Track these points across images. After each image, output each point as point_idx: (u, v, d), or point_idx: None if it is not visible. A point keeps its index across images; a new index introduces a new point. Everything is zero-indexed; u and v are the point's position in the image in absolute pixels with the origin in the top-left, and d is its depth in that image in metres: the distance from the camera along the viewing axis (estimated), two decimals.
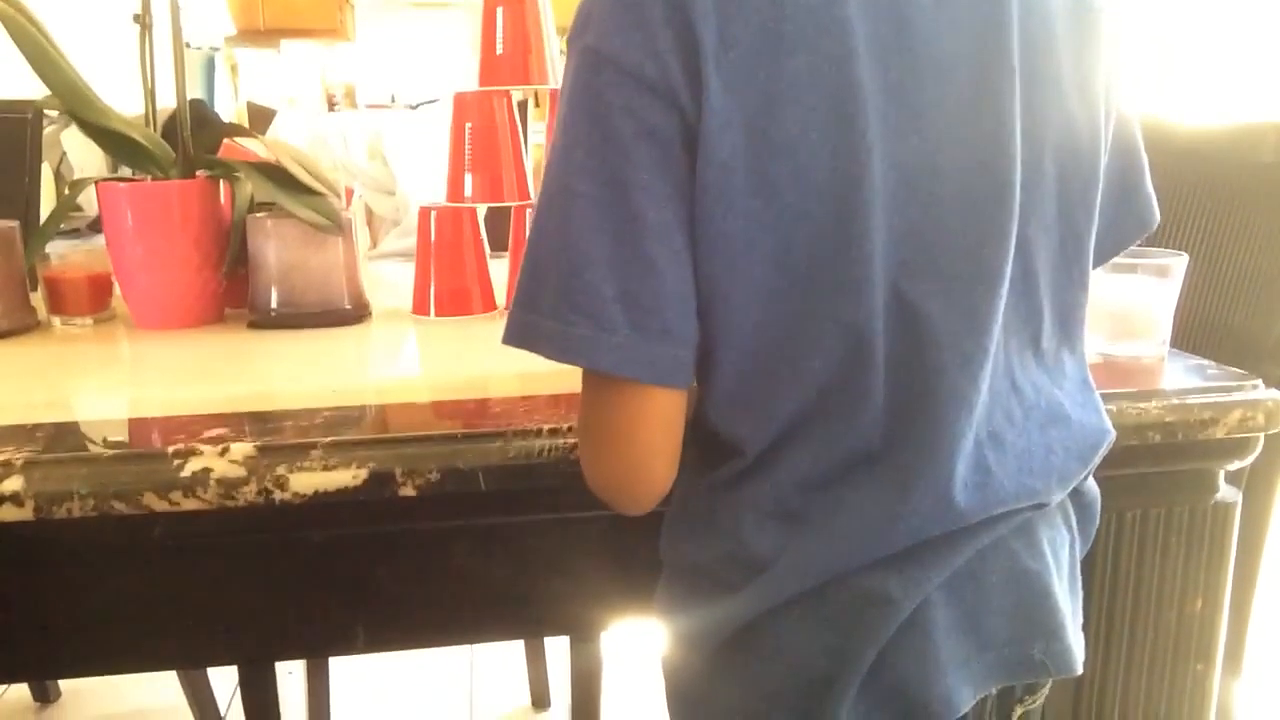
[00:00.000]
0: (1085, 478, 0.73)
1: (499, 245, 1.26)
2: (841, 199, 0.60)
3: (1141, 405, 0.84)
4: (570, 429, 0.77)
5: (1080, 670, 0.69)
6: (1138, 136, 0.76)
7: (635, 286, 0.61)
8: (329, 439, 0.75)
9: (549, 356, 0.63)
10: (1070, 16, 0.67)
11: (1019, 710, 0.73)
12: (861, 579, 0.63)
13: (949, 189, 0.63)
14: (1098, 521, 0.77)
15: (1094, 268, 0.73)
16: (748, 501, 0.66)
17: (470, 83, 1.19)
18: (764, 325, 0.63)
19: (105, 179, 1.20)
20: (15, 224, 1.15)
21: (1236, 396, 0.86)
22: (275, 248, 1.15)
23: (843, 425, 0.64)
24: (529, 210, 1.19)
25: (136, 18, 1.14)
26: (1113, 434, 0.73)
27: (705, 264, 0.62)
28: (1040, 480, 0.67)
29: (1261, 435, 0.88)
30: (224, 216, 1.18)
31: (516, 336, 0.65)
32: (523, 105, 1.85)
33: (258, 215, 1.16)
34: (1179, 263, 0.92)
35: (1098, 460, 0.72)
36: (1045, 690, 0.73)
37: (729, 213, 0.60)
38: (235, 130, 1.44)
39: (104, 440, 0.77)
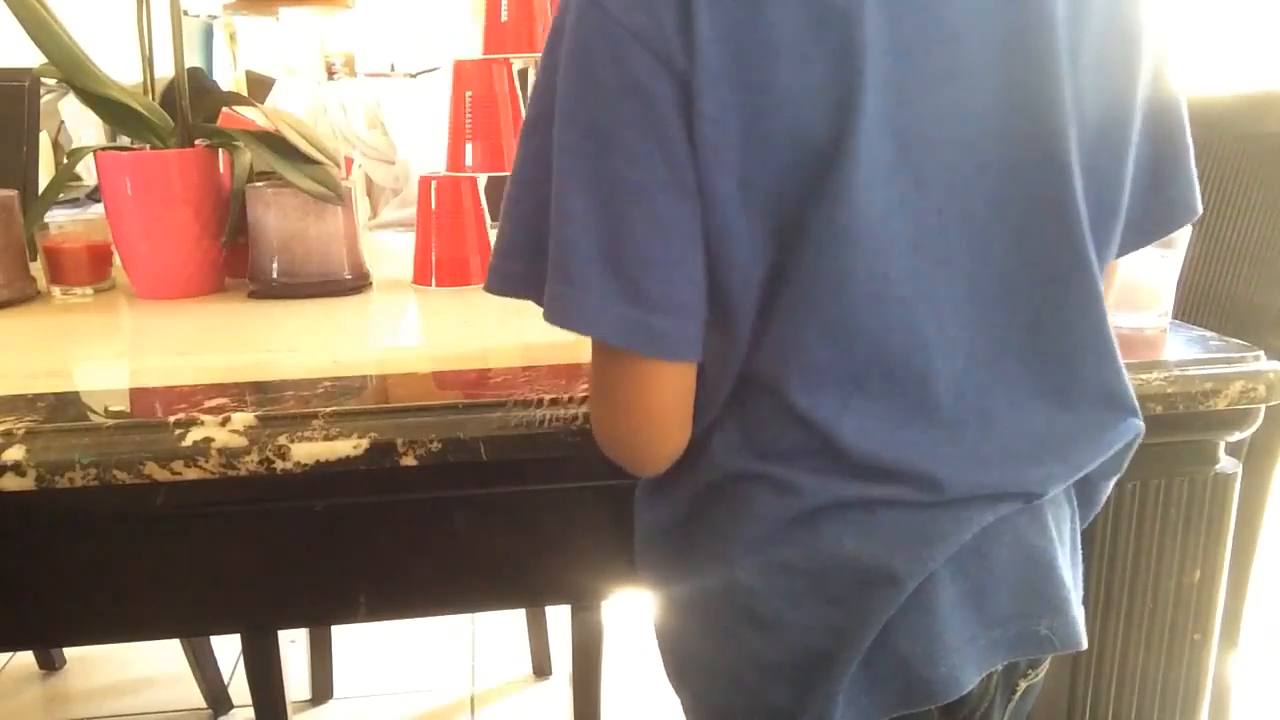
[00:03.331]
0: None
1: (499, 215, 1.25)
2: (825, 161, 0.58)
3: (1143, 376, 0.84)
4: (571, 399, 0.77)
5: (1085, 645, 0.68)
6: (1182, 119, 0.72)
7: (610, 248, 0.59)
8: (330, 409, 0.76)
9: (544, 315, 0.62)
10: None
11: (1023, 684, 0.73)
12: (867, 558, 0.62)
13: (951, 159, 0.61)
14: (1099, 502, 0.76)
15: (1122, 255, 0.72)
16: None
17: (470, 51, 1.18)
18: (769, 283, 0.61)
19: (104, 148, 1.19)
20: (14, 193, 1.15)
21: (1238, 368, 0.86)
22: (275, 217, 1.14)
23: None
24: None
25: None
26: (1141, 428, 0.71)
27: (710, 220, 0.60)
28: (1031, 467, 0.66)
29: (1262, 407, 0.88)
30: (223, 186, 1.18)
31: (516, 284, 0.65)
32: (523, 74, 1.84)
33: (257, 185, 1.16)
34: (1182, 233, 0.91)
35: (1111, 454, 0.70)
36: (1046, 663, 0.73)
37: (721, 170, 0.58)
38: (234, 99, 1.43)
39: (105, 410, 0.77)
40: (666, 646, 0.73)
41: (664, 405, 0.64)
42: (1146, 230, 0.73)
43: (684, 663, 0.72)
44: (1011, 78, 0.61)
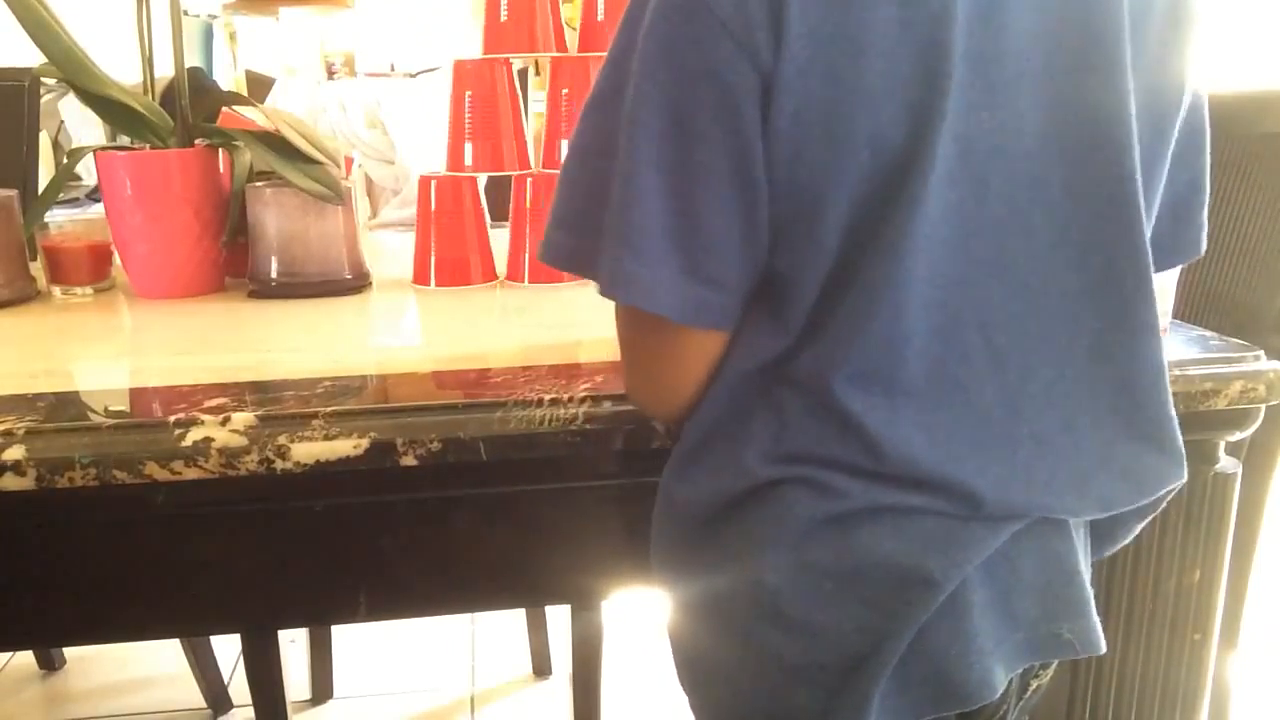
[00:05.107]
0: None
1: (499, 215, 1.25)
2: (903, 164, 0.58)
3: None
4: (571, 399, 0.77)
5: (1104, 649, 0.68)
6: (1206, 157, 0.72)
7: (677, 224, 0.60)
8: (330, 408, 0.75)
9: (600, 288, 0.63)
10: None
11: (1034, 684, 0.73)
12: (902, 559, 0.62)
13: (1011, 169, 0.61)
14: (1126, 538, 0.75)
15: None
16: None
17: (470, 51, 1.18)
18: (831, 281, 0.61)
19: (104, 148, 1.19)
20: (14, 193, 1.15)
21: (1238, 368, 0.86)
22: (275, 217, 1.14)
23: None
24: (529, 179, 1.19)
25: None
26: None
27: (778, 209, 0.60)
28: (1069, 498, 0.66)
29: (1262, 407, 0.88)
30: (223, 185, 1.18)
31: (566, 259, 0.65)
32: (523, 73, 1.84)
33: (257, 184, 1.16)
34: None
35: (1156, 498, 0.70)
36: (1055, 662, 0.73)
37: (797, 163, 0.58)
38: (234, 99, 1.43)
39: (105, 409, 0.77)
40: (683, 652, 0.72)
41: (697, 368, 0.66)
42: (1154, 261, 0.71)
43: (702, 669, 0.71)
44: (1075, 93, 0.61)
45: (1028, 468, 0.64)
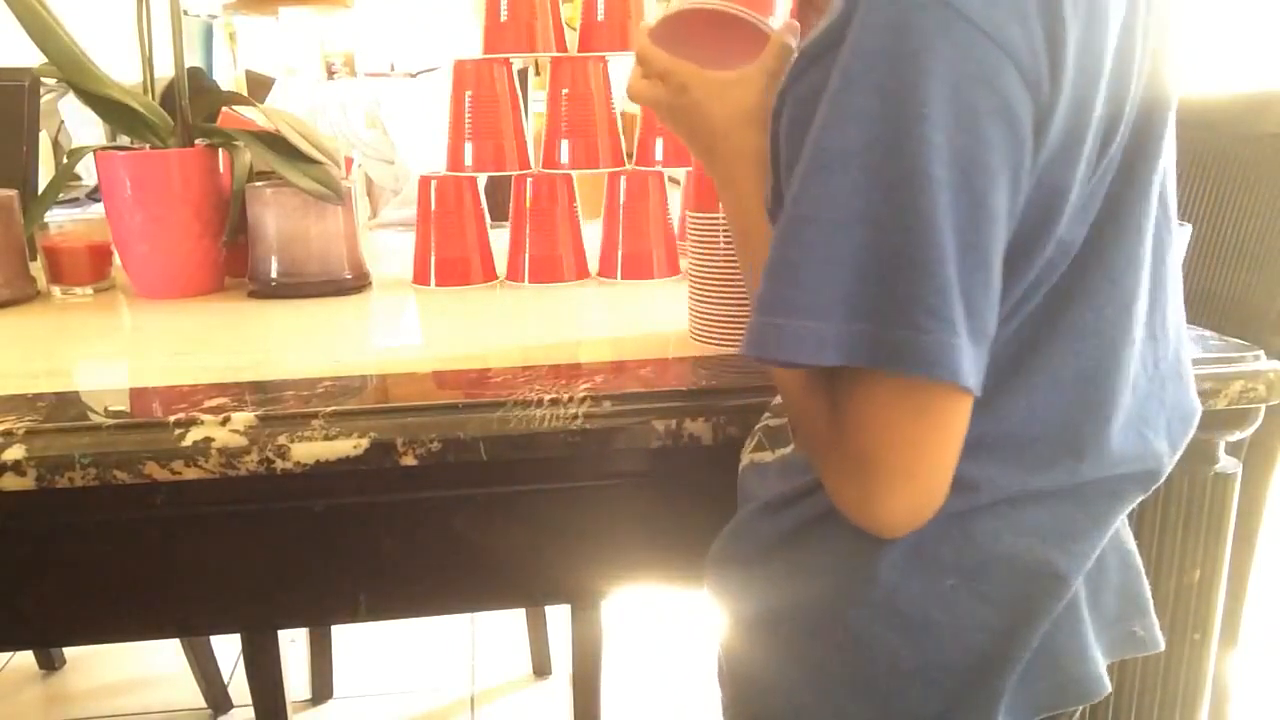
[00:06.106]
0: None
1: (499, 215, 1.25)
2: (1092, 171, 0.58)
3: None
4: (571, 399, 0.77)
5: (1163, 646, 0.69)
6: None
7: (970, 283, 0.53)
8: (330, 408, 0.76)
9: (904, 370, 0.53)
10: None
11: None
12: (1024, 553, 0.60)
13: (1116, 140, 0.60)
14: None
15: None
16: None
17: (471, 51, 1.18)
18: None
19: (104, 148, 1.19)
20: (14, 193, 1.15)
21: (1238, 367, 0.86)
22: (275, 217, 1.14)
23: None
24: (529, 179, 1.19)
25: None
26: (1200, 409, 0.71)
27: (1010, 245, 0.56)
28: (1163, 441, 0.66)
29: (1262, 406, 0.88)
30: (223, 185, 1.18)
31: (824, 348, 0.54)
32: (523, 73, 1.84)
33: (257, 184, 1.16)
34: (1182, 233, 0.91)
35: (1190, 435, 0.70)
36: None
37: (1037, 191, 0.55)
38: (234, 99, 1.43)
39: (105, 409, 0.77)
40: (747, 664, 0.69)
41: (957, 451, 0.57)
42: None
43: (773, 681, 0.67)
44: (1149, 50, 0.61)
45: (1129, 416, 0.64)
